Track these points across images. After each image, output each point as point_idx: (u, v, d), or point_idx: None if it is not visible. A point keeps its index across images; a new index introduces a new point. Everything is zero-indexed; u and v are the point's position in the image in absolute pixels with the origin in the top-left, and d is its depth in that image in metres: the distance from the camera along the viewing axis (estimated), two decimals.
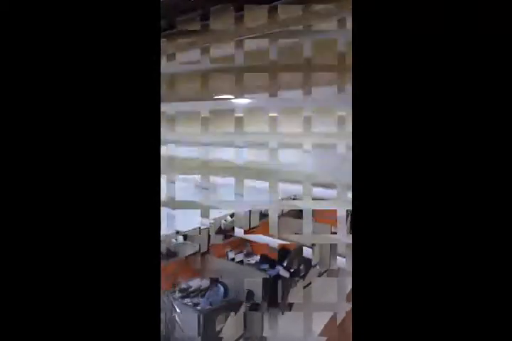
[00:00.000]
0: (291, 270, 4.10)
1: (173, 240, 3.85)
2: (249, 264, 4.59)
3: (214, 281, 3.55)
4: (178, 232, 3.90)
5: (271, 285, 3.93)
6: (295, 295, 4.26)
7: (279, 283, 4.04)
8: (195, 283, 4.06)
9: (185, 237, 3.88)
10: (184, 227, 3.92)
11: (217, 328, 2.92)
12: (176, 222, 3.98)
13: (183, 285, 3.96)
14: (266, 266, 4.32)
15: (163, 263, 3.61)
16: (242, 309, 3.25)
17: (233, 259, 4.77)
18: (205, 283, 3.80)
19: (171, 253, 3.80)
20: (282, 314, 4.19)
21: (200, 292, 3.75)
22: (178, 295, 3.79)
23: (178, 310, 2.58)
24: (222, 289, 3.58)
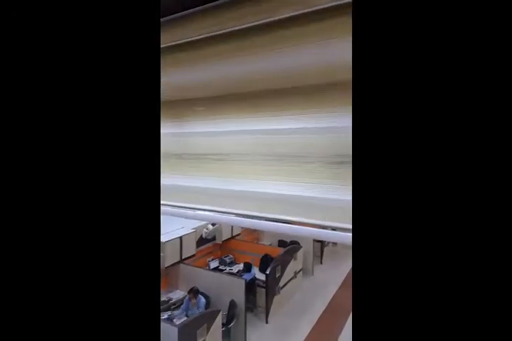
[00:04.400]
0: (267, 272, 4.06)
1: None
2: (231, 273, 4.50)
3: (194, 292, 3.43)
4: None
5: (251, 289, 3.86)
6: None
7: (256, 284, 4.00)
8: (176, 295, 3.92)
9: None
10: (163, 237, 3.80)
11: (199, 340, 2.81)
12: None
13: (163, 298, 3.81)
14: (249, 275, 4.25)
15: None
16: (220, 319, 3.15)
17: (215, 269, 4.67)
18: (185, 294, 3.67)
19: None
20: (266, 323, 4.12)
21: (182, 304, 3.61)
22: None
23: None
24: (203, 300, 3.46)
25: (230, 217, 0.96)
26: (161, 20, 0.98)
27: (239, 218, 0.95)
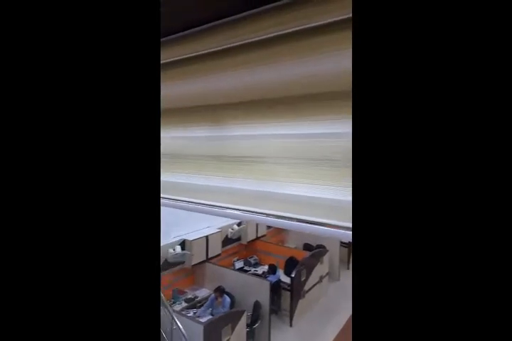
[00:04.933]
0: (292, 275, 4.02)
1: (171, 250, 3.64)
2: (256, 274, 4.52)
3: (220, 291, 3.48)
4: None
5: (276, 291, 3.85)
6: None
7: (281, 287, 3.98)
8: (201, 293, 4.01)
9: (183, 247, 3.77)
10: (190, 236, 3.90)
11: (224, 339, 2.85)
12: (182, 231, 3.97)
13: (189, 296, 3.91)
14: (274, 277, 4.24)
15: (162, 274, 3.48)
16: (245, 320, 3.16)
17: (240, 269, 4.71)
18: (211, 293, 3.74)
19: (168, 264, 3.62)
20: (290, 326, 4.09)
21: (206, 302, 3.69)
22: (183, 305, 3.73)
23: (178, 323, 2.50)
24: (228, 299, 3.51)
25: (259, 216, 0.99)
26: (201, 28, 1.02)
27: (269, 218, 0.96)
